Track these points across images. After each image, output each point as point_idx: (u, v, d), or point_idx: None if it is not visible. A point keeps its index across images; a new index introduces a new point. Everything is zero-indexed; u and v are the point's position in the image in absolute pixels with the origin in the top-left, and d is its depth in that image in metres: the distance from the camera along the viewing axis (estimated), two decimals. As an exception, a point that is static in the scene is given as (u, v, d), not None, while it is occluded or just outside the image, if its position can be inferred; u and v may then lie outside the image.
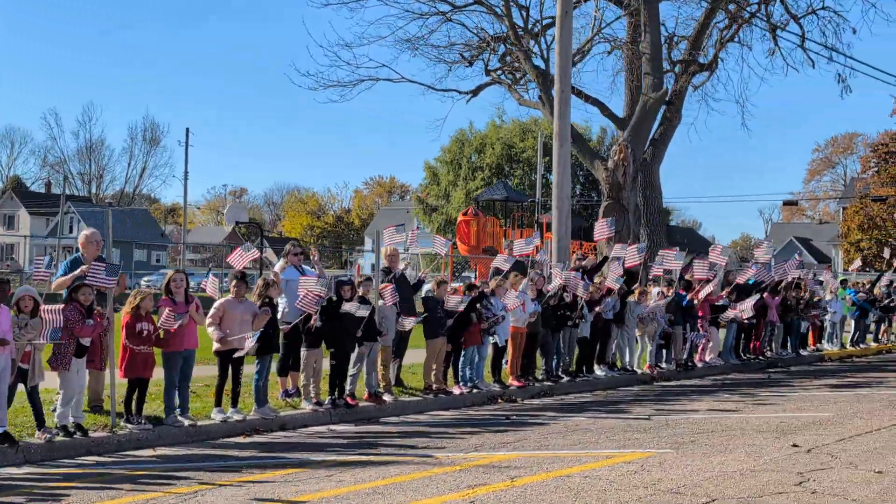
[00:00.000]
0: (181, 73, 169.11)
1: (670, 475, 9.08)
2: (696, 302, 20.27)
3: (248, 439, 11.53)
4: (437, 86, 27.87)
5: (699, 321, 20.81)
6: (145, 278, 65.17)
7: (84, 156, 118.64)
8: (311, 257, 14.16)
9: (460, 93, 28.08)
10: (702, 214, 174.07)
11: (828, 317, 25.63)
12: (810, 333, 25.43)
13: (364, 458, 10.11)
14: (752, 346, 22.68)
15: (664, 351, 20.18)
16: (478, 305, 15.63)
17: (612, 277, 18.13)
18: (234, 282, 12.09)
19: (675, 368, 19.92)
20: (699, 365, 20.82)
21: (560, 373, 17.54)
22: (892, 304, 27.47)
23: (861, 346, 26.66)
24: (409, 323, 14.51)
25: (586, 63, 47.36)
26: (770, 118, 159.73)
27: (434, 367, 15.12)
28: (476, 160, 77.93)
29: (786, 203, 65.29)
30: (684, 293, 20.27)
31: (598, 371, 18.41)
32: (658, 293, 19.53)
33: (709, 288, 20.09)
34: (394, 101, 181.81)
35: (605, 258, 19.68)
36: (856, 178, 77.10)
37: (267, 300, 12.54)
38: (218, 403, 12.08)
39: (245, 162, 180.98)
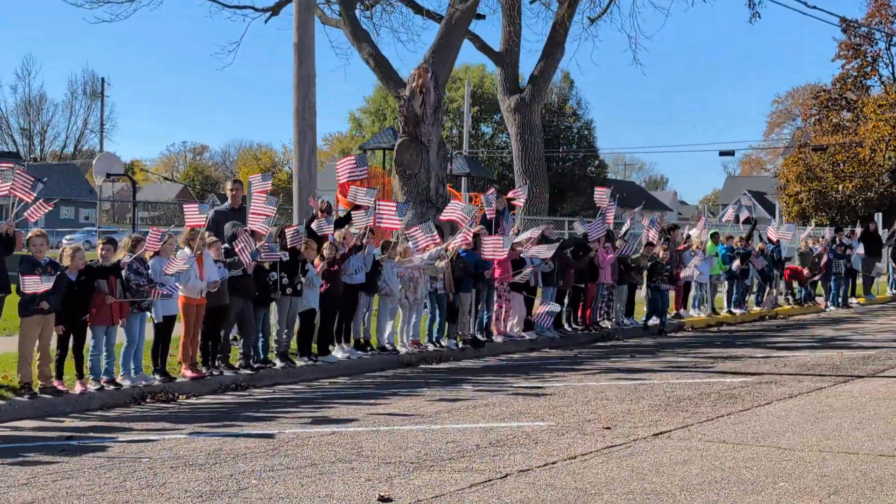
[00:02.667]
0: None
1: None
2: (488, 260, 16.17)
3: None
4: (228, 2, 23.32)
5: (497, 284, 16.75)
6: (67, 237, 60.76)
7: (23, 110, 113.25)
8: None
9: (256, 10, 23.59)
10: (670, 171, 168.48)
11: (693, 278, 21.54)
12: (672, 297, 21.38)
13: None
14: (580, 313, 18.62)
15: (453, 323, 16.13)
16: (123, 273, 11.42)
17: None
18: None
19: (460, 345, 15.83)
20: (498, 340, 16.74)
21: (275, 356, 13.39)
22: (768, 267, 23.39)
23: (739, 311, 22.61)
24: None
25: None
26: (740, 66, 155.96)
27: (37, 356, 10.90)
28: (402, 110, 73.45)
29: (722, 153, 61.02)
30: (475, 251, 16.13)
31: (338, 352, 14.27)
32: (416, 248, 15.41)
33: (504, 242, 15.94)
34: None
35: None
36: (798, 128, 73.13)
37: None
38: None
39: (206, 117, 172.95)
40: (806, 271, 24.98)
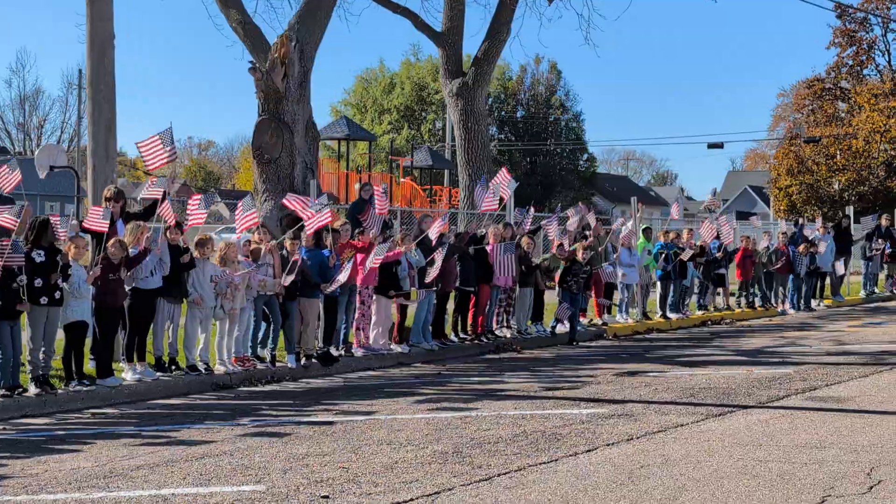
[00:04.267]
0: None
1: None
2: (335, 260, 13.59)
3: None
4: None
5: (360, 288, 14.17)
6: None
7: (19, 105, 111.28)
8: None
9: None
10: (680, 167, 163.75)
11: (618, 279, 18.91)
12: (593, 302, 18.76)
13: None
14: (469, 321, 16.00)
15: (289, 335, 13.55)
16: None
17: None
18: None
19: (303, 361, 13.24)
20: (358, 353, 14.16)
21: (29, 382, 10.81)
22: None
23: (676, 315, 19.93)
24: None
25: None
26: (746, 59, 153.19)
27: None
28: (384, 102, 70.91)
29: (710, 146, 58.02)
30: (326, 251, 13.56)
31: (128, 373, 11.69)
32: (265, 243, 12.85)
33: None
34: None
35: None
36: (791, 119, 70.29)
37: None
38: None
39: (212, 112, 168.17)
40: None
